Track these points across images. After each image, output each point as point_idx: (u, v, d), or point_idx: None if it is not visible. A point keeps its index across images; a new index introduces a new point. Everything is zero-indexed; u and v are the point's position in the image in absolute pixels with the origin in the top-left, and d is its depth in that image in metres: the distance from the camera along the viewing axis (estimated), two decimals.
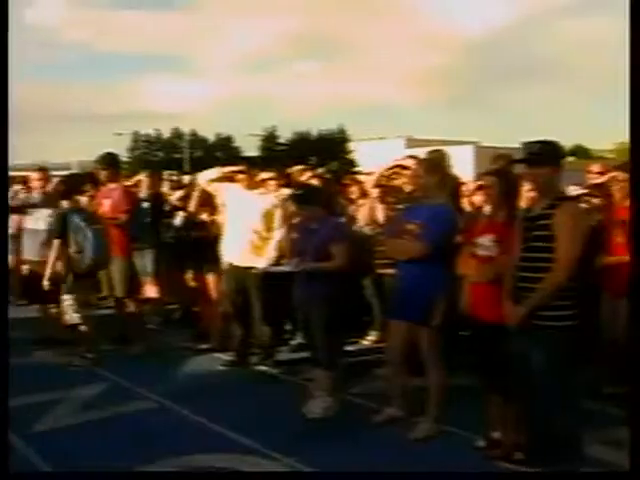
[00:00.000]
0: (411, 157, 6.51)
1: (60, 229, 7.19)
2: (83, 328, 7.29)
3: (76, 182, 7.89)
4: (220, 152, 68.23)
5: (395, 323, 5.39)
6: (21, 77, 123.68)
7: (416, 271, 5.13)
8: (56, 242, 7.18)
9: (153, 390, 6.44)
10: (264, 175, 7.36)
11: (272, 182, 7.43)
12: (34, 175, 8.93)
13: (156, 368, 7.19)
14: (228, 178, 7.13)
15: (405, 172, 6.51)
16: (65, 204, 7.34)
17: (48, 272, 7.14)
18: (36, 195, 8.68)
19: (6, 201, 6.45)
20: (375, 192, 7.18)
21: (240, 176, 7.02)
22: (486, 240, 4.68)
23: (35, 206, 8.21)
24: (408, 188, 6.25)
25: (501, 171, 5.07)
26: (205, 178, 7.38)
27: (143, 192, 8.91)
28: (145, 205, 8.57)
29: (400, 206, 6.16)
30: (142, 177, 9.26)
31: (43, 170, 9.09)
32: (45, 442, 5.28)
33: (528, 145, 4.38)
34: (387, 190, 6.94)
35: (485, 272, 4.66)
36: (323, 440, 5.24)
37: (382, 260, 6.65)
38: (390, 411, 5.55)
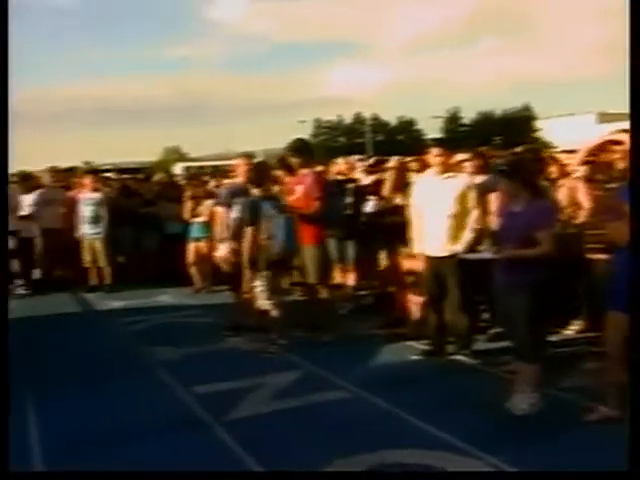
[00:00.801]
0: (624, 131, 5.93)
1: (252, 217, 7.22)
2: (275, 314, 7.29)
3: (266, 170, 7.91)
4: (402, 136, 68.04)
5: (614, 314, 4.89)
6: (211, 71, 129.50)
7: None
8: (249, 230, 7.22)
9: (345, 378, 6.31)
10: (459, 157, 7.00)
11: (466, 164, 7.07)
12: (239, 163, 8.81)
13: (348, 356, 7.07)
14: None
15: (618, 148, 5.94)
16: (256, 192, 7.34)
17: (245, 259, 7.17)
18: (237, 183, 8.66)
19: (6, 201, 6.41)
20: (581, 170, 6.63)
21: (433, 160, 6.70)
22: None
23: (235, 194, 8.18)
24: (621, 165, 5.69)
25: None
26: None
27: (335, 178, 8.81)
28: (337, 191, 8.44)
29: (612, 185, 5.62)
30: (334, 163, 9.17)
31: (248, 157, 8.91)
32: (240, 430, 5.26)
33: None
34: (596, 168, 6.38)
35: None
36: (528, 438, 4.87)
37: (591, 245, 6.13)
38: (605, 410, 5.05)
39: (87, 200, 11.75)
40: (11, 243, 7.94)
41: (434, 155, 6.66)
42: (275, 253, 7.18)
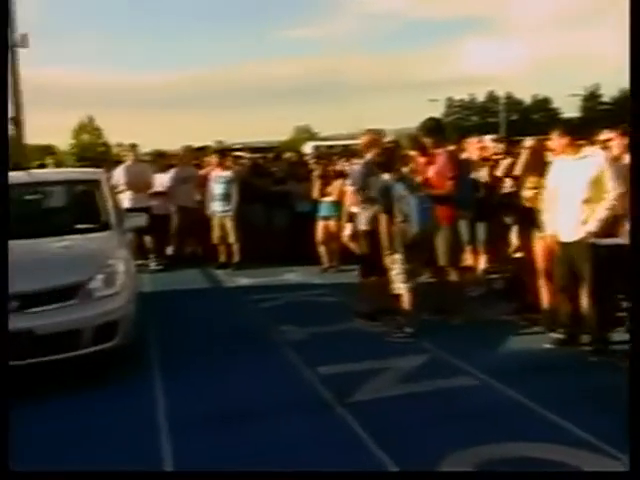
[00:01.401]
0: None
1: (385, 200, 7.14)
2: (407, 298, 7.17)
3: (397, 152, 7.78)
4: (537, 114, 66.03)
5: None
6: (341, 50, 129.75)
7: None
8: (383, 216, 7.16)
9: (473, 365, 6.14)
10: (602, 136, 6.62)
11: (611, 143, 6.68)
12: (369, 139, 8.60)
13: (477, 341, 6.88)
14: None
15: None
16: (386, 174, 7.22)
17: (383, 242, 7.12)
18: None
19: (6, 200, 6.43)
20: None
21: (560, 141, 6.36)
22: None
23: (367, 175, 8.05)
24: None
25: None
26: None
27: (467, 157, 8.55)
28: (469, 171, 8.20)
29: None
30: (466, 142, 8.91)
31: (377, 133, 8.46)
32: (362, 412, 5.19)
33: None
34: None
35: None
36: None
37: None
38: None
39: (218, 178, 11.96)
40: (144, 220, 8.16)
41: (560, 136, 6.33)
42: (410, 235, 7.05)
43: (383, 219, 7.15)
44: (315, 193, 11.40)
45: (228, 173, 12.07)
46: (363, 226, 7.69)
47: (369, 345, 6.93)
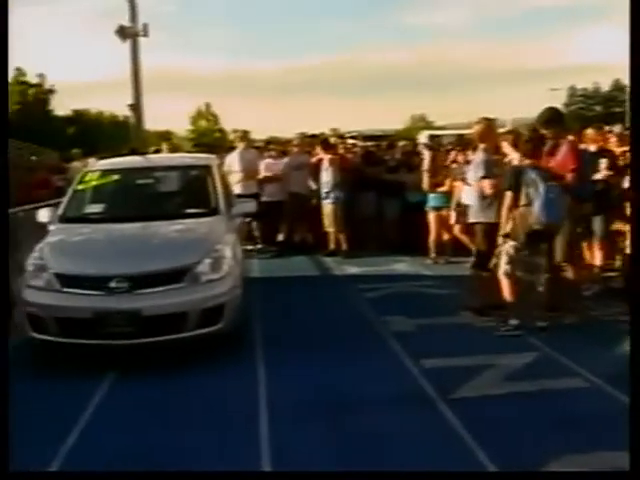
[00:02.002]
0: None
1: (514, 182, 6.97)
2: (511, 288, 6.98)
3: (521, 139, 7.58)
4: None
5: None
6: (457, 37, 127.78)
7: None
8: (508, 194, 7.00)
9: (584, 366, 5.87)
10: None
11: None
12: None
13: (590, 342, 6.61)
14: None
15: None
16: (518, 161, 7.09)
17: (502, 224, 7.00)
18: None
19: (7, 200, 6.39)
20: None
21: None
22: None
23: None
24: None
25: None
26: None
27: (587, 148, 8.18)
28: (589, 163, 7.84)
29: None
30: (587, 133, 8.54)
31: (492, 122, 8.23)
32: (464, 409, 5.07)
33: None
34: None
35: None
36: None
37: None
38: None
39: (332, 167, 11.93)
40: (254, 206, 8.26)
41: None
42: (533, 222, 6.82)
43: (508, 198, 6.96)
44: (425, 184, 11.21)
45: (337, 161, 12.02)
46: (480, 218, 7.50)
47: (476, 340, 6.77)
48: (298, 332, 7.27)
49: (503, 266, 6.98)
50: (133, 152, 12.67)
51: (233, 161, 12.37)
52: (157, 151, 15.25)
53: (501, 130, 9.65)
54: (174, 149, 16.88)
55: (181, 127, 75.80)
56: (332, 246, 12.03)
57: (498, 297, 7.16)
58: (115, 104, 74.28)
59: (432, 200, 11.06)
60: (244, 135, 13.08)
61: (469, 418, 4.88)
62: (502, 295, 7.07)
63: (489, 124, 7.94)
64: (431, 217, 11.05)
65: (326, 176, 11.93)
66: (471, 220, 7.84)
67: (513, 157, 7.40)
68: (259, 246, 12.37)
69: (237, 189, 11.43)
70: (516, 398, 5.28)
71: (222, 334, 6.39)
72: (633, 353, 3.87)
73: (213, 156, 9.96)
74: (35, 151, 21.71)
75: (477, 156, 7.92)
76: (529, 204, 6.82)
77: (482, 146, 7.75)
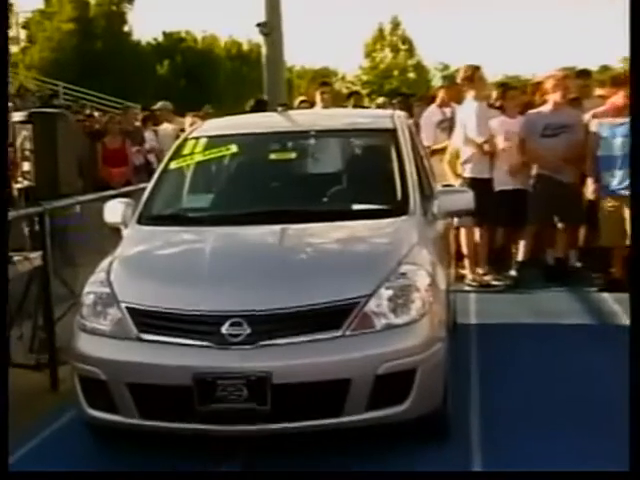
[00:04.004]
0: None
1: None
2: None
3: None
4: None
5: None
6: None
7: None
8: None
9: None
10: None
11: None
12: None
13: None
14: None
15: None
16: None
17: None
18: None
19: (6, 199, 5.31)
20: None
21: None
22: None
23: None
24: None
25: None
26: None
27: None
28: None
29: None
30: None
31: None
32: None
33: None
34: None
35: None
36: None
37: None
38: None
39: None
40: (471, 200, 5.18)
41: None
42: None
43: None
44: None
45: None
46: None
47: None
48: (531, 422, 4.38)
49: None
50: (262, 105, 9.13)
51: (464, 121, 7.67)
52: (305, 104, 10.25)
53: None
54: (334, 100, 10.22)
55: (346, 63, 60.43)
56: (617, 274, 7.22)
57: None
58: (235, 25, 60.10)
59: None
60: (473, 75, 7.79)
61: None
62: None
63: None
64: None
65: (618, 147, 7.02)
66: None
67: None
68: (480, 270, 7.83)
69: (466, 171, 7.66)
70: None
71: (409, 420, 3.83)
72: (633, 354, 3.43)
73: (401, 113, 6.34)
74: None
75: None
76: None
77: None
